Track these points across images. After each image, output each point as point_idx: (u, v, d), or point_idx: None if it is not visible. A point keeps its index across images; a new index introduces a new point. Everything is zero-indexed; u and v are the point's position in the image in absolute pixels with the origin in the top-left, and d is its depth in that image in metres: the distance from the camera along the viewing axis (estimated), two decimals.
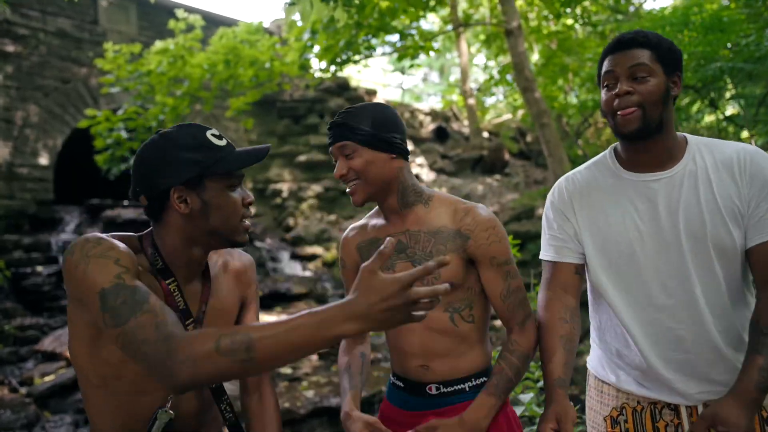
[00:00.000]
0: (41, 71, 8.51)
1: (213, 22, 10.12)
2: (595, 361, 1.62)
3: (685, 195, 1.37)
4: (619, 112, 1.36)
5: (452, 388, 1.51)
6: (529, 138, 13.06)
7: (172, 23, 7.49)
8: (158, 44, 7.32)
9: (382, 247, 0.93)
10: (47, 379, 5.42)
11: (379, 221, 1.60)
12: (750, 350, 1.31)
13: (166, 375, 0.97)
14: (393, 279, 0.90)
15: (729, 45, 8.33)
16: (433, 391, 1.51)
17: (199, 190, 1.18)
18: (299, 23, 6.42)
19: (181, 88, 7.52)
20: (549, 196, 1.58)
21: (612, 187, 1.46)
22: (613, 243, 1.43)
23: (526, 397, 2.66)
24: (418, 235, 1.51)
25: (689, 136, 1.45)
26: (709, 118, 11.27)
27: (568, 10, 9.78)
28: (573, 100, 11.85)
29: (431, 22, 13.60)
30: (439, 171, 11.71)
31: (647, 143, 1.39)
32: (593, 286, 1.52)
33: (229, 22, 10.20)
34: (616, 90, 1.35)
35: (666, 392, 1.42)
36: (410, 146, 11.75)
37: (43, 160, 8.46)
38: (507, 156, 11.81)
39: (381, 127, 1.47)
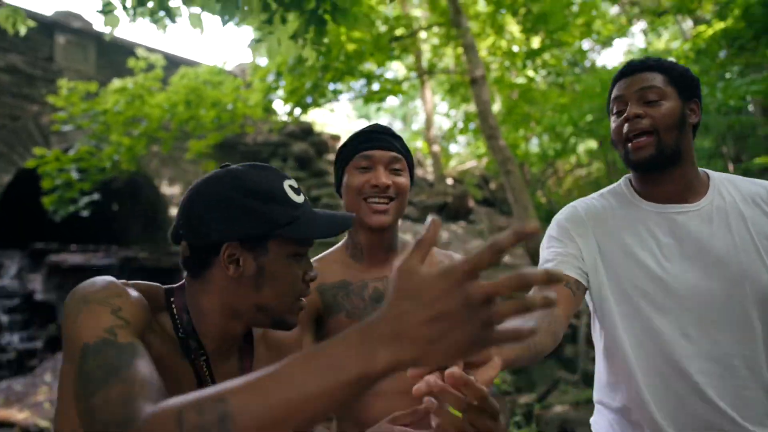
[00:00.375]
0: None
1: (174, 63, 9.94)
2: (603, 425, 1.39)
3: (717, 232, 1.22)
4: (631, 141, 1.22)
5: None
6: (492, 185, 13.18)
7: (131, 62, 7.28)
8: (116, 82, 7.08)
9: (425, 227, 0.59)
10: None
11: (347, 264, 1.40)
12: None
13: None
14: (445, 270, 0.55)
15: None
16: None
17: (258, 251, 0.93)
18: (264, 64, 6.32)
19: (138, 128, 7.26)
20: (560, 215, 1.39)
21: (631, 217, 1.30)
22: (631, 279, 1.25)
23: None
24: None
25: (710, 172, 1.32)
26: None
27: (529, 62, 10.07)
28: (534, 149, 12.08)
29: (395, 70, 13.80)
30: (404, 217, 11.62)
31: (663, 175, 1.25)
32: (604, 326, 1.30)
33: (191, 64, 10.05)
34: (626, 114, 1.23)
35: None
36: None
37: None
38: (471, 203, 11.84)
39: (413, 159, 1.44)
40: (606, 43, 12.99)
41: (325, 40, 2.99)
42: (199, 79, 7.01)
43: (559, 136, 10.81)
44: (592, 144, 11.74)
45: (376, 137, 1.35)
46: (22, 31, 3.72)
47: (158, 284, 1.01)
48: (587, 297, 1.36)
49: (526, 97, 10.68)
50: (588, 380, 6.63)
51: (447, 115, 13.86)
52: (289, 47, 2.89)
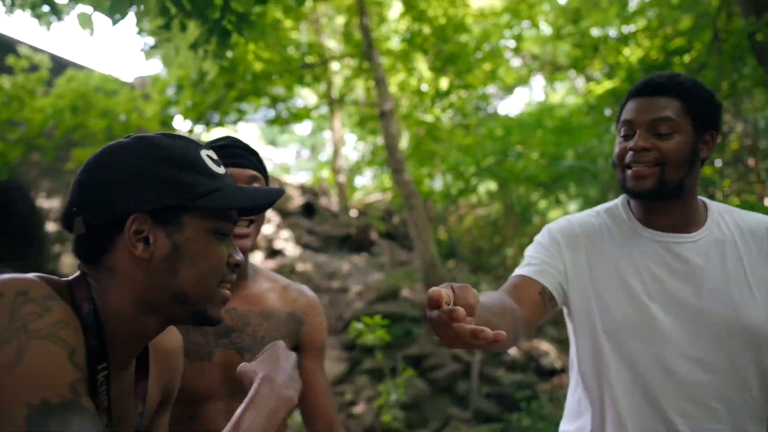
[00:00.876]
0: None
1: (63, 66, 9.16)
2: None
3: (712, 266, 1.18)
4: (632, 168, 1.16)
5: None
6: (396, 219, 13.29)
7: (12, 60, 6.63)
8: None
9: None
10: None
11: None
12: None
13: None
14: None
15: (575, 148, 9.27)
16: None
17: (171, 227, 0.78)
18: (165, 75, 5.98)
19: (15, 133, 6.59)
20: (554, 226, 1.33)
21: (626, 241, 1.25)
22: (619, 306, 1.20)
23: None
24: (247, 316, 1.23)
25: (708, 201, 1.28)
26: (554, 214, 12.33)
27: (438, 102, 10.39)
28: (437, 185, 12.40)
29: (305, 97, 13.72)
30: (305, 246, 11.39)
31: (663, 205, 1.19)
32: (583, 351, 1.23)
33: (83, 69, 9.36)
34: (632, 143, 1.16)
35: None
36: (277, 219, 11.35)
37: None
38: (374, 235, 11.85)
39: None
40: (508, 90, 13.74)
41: (229, 54, 2.82)
42: (89, 84, 6.50)
43: (461, 175, 11.15)
44: (492, 185, 12.22)
45: (229, 153, 1.19)
46: None
47: (61, 279, 0.80)
48: (566, 318, 1.30)
49: (433, 135, 10.97)
50: (480, 417, 6.68)
51: (355, 147, 13.94)
52: (188, 57, 2.69)
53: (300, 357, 1.27)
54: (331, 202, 13.67)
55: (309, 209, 12.46)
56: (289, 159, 26.76)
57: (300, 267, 10.45)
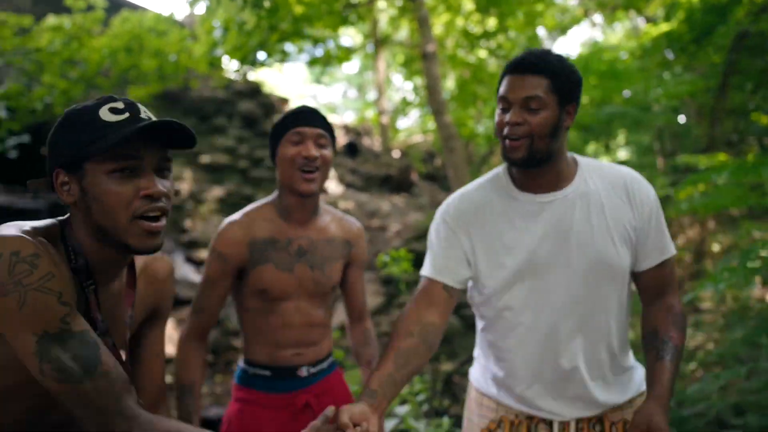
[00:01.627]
0: None
1: (117, 5, 9.51)
2: (477, 373, 1.62)
3: (578, 217, 1.40)
4: (507, 141, 1.35)
5: (318, 368, 1.76)
6: (438, 161, 13.39)
7: (70, 0, 6.95)
8: (51, 19, 6.75)
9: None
10: None
11: (273, 220, 1.67)
12: (656, 357, 1.35)
13: None
14: None
15: (623, 93, 9.04)
16: (304, 374, 1.72)
17: (78, 175, 0.99)
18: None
19: (76, 71, 6.98)
20: (440, 211, 1.53)
21: (506, 208, 1.45)
22: (506, 265, 1.42)
23: (402, 409, 2.63)
24: (317, 243, 1.71)
25: (579, 158, 1.48)
26: (604, 160, 12.09)
27: (483, 43, 10.20)
28: (481, 129, 12.32)
29: (352, 36, 13.67)
30: (348, 185, 11.69)
31: (537, 170, 1.40)
32: (484, 306, 1.51)
33: (136, 9, 9.65)
34: (507, 118, 1.36)
35: (543, 413, 1.45)
36: None
37: None
38: (415, 176, 12.02)
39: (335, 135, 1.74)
40: (561, 31, 13.27)
41: (266, 4, 3.00)
42: (142, 25, 6.77)
43: None
44: None
45: (305, 116, 1.62)
46: None
47: (54, 220, 1.05)
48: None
49: (477, 77, 10.84)
50: None
51: (398, 90, 13.91)
52: (228, 6, 2.89)
53: (348, 270, 1.82)
54: (374, 142, 13.84)
55: (352, 149, 12.68)
56: (336, 98, 26.83)
57: (342, 205, 10.81)
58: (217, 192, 10.08)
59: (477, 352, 1.64)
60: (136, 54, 6.64)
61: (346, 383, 1.88)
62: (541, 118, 1.32)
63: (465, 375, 6.62)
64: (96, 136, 0.96)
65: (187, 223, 9.79)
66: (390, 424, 2.28)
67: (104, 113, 0.99)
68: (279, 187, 1.69)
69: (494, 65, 11.62)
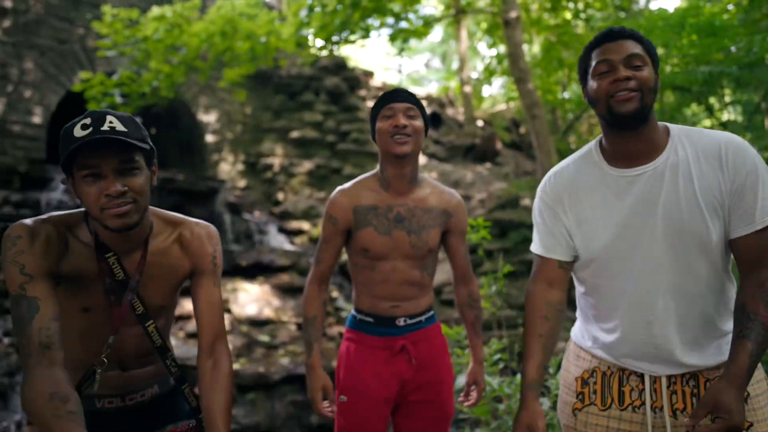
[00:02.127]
0: (38, 29, 8.51)
1: None
2: (576, 330, 1.71)
3: (666, 188, 1.40)
4: (618, 94, 1.37)
5: (414, 320, 2.01)
6: (522, 129, 13.16)
7: None
8: (155, 10, 7.34)
9: None
10: None
11: (376, 191, 1.95)
12: (738, 335, 1.34)
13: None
14: None
15: (723, 50, 8.44)
16: (401, 323, 1.99)
17: (71, 179, 1.29)
18: None
19: (177, 56, 7.56)
20: (539, 190, 1.62)
21: (597, 183, 1.50)
22: (599, 237, 1.49)
23: (495, 380, 2.85)
24: (415, 210, 1.93)
25: (671, 126, 1.48)
26: (706, 123, 11.38)
27: (571, 5, 9.83)
28: (567, 95, 11.94)
29: (433, 5, 13.60)
30: (431, 156, 11.81)
31: (635, 132, 1.42)
32: (581, 272, 1.60)
33: None
34: (616, 75, 1.38)
35: (635, 367, 1.52)
36: None
37: (37, 118, 8.50)
38: (499, 145, 11.93)
39: (426, 117, 1.94)
40: None
41: None
42: (235, 10, 7.21)
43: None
44: None
45: (395, 94, 1.89)
46: None
47: (81, 210, 1.37)
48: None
49: (563, 41, 10.51)
50: None
51: (481, 57, 13.70)
52: None
53: (448, 237, 2.03)
54: (457, 111, 13.81)
55: (434, 119, 12.74)
56: (420, 68, 26.71)
57: (426, 175, 10.98)
58: (306, 165, 10.58)
59: (577, 312, 1.73)
60: (230, 37, 7.10)
61: (444, 336, 2.14)
62: (647, 73, 1.38)
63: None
64: (67, 150, 1.23)
65: (280, 196, 10.39)
66: (461, 379, 2.48)
67: (77, 130, 1.23)
68: (380, 161, 1.95)
69: (581, 27, 11.19)
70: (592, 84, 1.43)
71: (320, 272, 2.02)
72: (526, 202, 9.33)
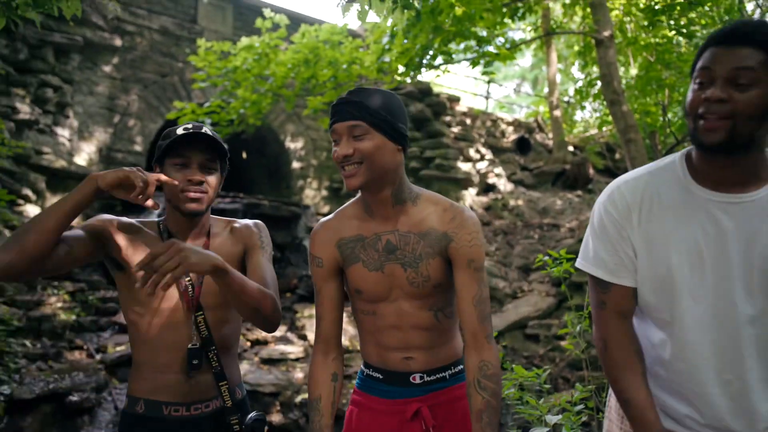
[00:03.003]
0: (142, 65, 9.16)
1: (297, 21, 10.46)
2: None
3: (766, 228, 1.18)
4: (705, 117, 1.15)
5: (435, 377, 1.57)
6: (617, 155, 12.44)
7: (259, 22, 7.80)
8: (244, 41, 7.65)
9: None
10: (119, 348, 5.81)
11: (360, 217, 1.56)
12: None
13: None
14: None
15: None
16: (417, 381, 1.56)
17: (162, 168, 1.58)
18: (379, 22, 6.48)
19: (265, 85, 7.81)
20: (604, 200, 1.37)
21: (676, 201, 1.26)
22: (666, 266, 1.26)
23: (553, 418, 2.51)
24: (408, 237, 1.50)
25: None
26: None
27: (669, 22, 9.20)
28: (673, 117, 11.14)
29: (522, 29, 13.30)
30: (518, 183, 11.42)
31: (729, 160, 1.18)
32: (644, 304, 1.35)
33: (313, 22, 10.49)
34: (707, 93, 1.15)
35: (700, 426, 1.26)
36: (489, 155, 11.54)
37: (138, 147, 9.10)
38: (591, 172, 11.31)
39: (394, 115, 1.45)
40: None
41: (415, 3, 3.08)
42: (318, 38, 7.36)
43: None
44: None
45: (338, 111, 1.43)
46: None
47: (158, 219, 1.68)
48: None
49: (663, 60, 9.84)
50: None
51: (574, 79, 13.18)
52: (378, 8, 3.00)
53: (453, 270, 1.49)
54: (547, 137, 13.31)
55: (522, 145, 12.35)
56: (510, 93, 26.29)
57: (512, 203, 10.59)
58: None
59: None
60: (314, 65, 7.23)
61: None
62: (751, 96, 1.11)
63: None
64: (167, 141, 1.54)
65: None
66: None
67: (178, 130, 1.56)
68: None
69: (683, 46, 10.44)
70: (689, 93, 1.19)
71: (323, 334, 1.58)
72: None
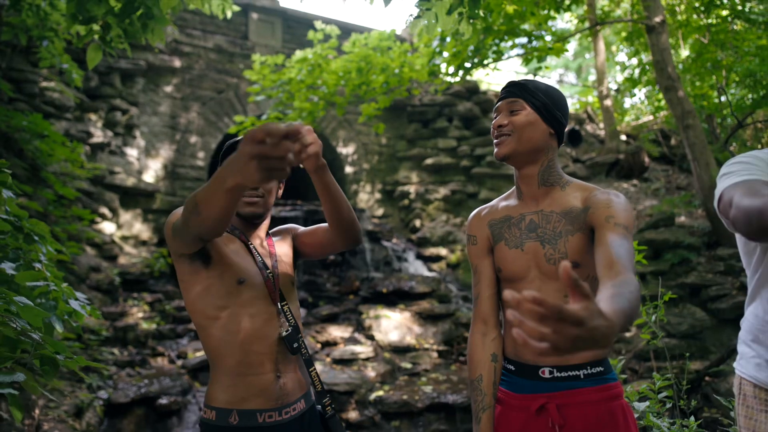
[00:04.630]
0: (200, 83, 9.57)
1: (347, 31, 10.68)
2: (750, 366, 1.41)
3: None
4: None
5: (566, 374, 1.47)
6: (673, 141, 12.13)
7: (311, 34, 8.06)
8: (298, 54, 7.91)
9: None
10: (198, 354, 6.13)
11: (511, 202, 1.65)
12: None
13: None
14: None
15: None
16: (546, 375, 1.49)
17: None
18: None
19: (317, 94, 8.06)
20: (755, 152, 1.42)
21: None
22: None
23: (641, 405, 2.57)
24: (550, 215, 1.54)
25: None
26: None
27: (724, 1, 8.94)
28: (728, 98, 10.78)
29: (566, 21, 13.13)
30: (571, 175, 11.27)
31: None
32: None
33: (362, 30, 10.69)
34: None
35: None
36: None
37: (200, 161, 9.51)
38: (647, 160, 11.08)
39: (553, 101, 1.56)
40: None
41: (480, 13, 3.19)
42: (368, 45, 7.54)
43: (758, 84, 9.52)
44: None
45: (505, 92, 1.60)
46: (229, 15, 4.46)
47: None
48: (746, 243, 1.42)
49: (717, 41, 9.56)
50: None
51: (623, 66, 12.91)
52: (446, 22, 3.14)
53: (595, 234, 1.42)
54: (597, 127, 13.10)
55: (574, 137, 12.20)
56: (553, 85, 25.78)
57: None
58: (442, 191, 10.63)
59: (744, 334, 1.45)
60: (366, 72, 7.41)
61: (628, 411, 1.49)
62: None
63: (718, 376, 5.96)
64: (225, 151, 1.66)
65: (416, 223, 10.53)
66: None
67: (236, 140, 1.64)
68: None
69: (739, 24, 10.10)
70: None
71: (481, 313, 1.60)
72: (682, 219, 8.52)
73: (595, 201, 1.47)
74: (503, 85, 1.64)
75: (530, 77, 12.83)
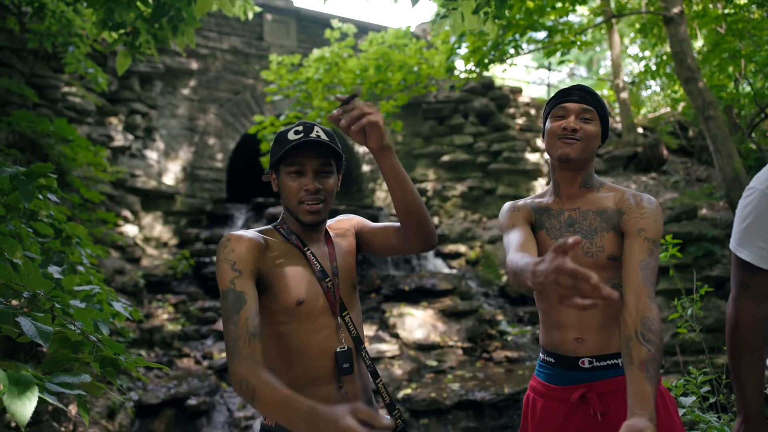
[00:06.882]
0: (217, 85, 9.62)
1: (364, 29, 10.68)
2: None
3: None
4: None
5: (605, 363, 1.55)
6: (691, 133, 12.01)
7: (327, 33, 8.06)
8: (315, 53, 7.92)
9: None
10: (224, 355, 6.17)
11: (546, 199, 1.74)
12: None
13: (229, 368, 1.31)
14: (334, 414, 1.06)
15: None
16: (586, 365, 1.56)
17: (277, 174, 1.53)
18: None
19: (335, 92, 8.07)
20: (759, 178, 1.39)
21: None
22: None
23: (687, 400, 2.56)
24: (587, 213, 1.65)
25: None
26: None
27: None
28: (745, 89, 10.65)
29: (580, 14, 13.04)
30: None
31: None
32: None
33: (378, 29, 10.68)
34: None
35: None
36: None
37: (219, 163, 9.55)
38: (665, 153, 10.98)
39: (607, 115, 1.68)
40: None
41: (506, 12, 3.18)
42: (385, 43, 7.53)
43: None
44: None
45: (569, 93, 1.64)
46: (251, 16, 4.48)
47: (274, 223, 1.61)
48: None
49: (735, 30, 9.45)
50: None
51: (638, 58, 12.80)
52: (471, 21, 3.13)
53: (624, 241, 1.56)
54: (613, 121, 13.00)
55: None
56: (564, 78, 25.65)
57: None
58: (459, 188, 10.61)
59: None
60: (383, 70, 7.41)
61: (668, 397, 1.56)
62: None
63: None
64: (280, 150, 1.45)
65: (434, 220, 10.52)
66: None
67: (290, 135, 1.47)
68: (550, 164, 1.75)
69: (757, 13, 9.96)
70: None
71: (520, 247, 1.58)
72: (704, 212, 8.44)
73: (628, 206, 1.59)
74: (569, 85, 1.70)
75: (546, 71, 12.73)
